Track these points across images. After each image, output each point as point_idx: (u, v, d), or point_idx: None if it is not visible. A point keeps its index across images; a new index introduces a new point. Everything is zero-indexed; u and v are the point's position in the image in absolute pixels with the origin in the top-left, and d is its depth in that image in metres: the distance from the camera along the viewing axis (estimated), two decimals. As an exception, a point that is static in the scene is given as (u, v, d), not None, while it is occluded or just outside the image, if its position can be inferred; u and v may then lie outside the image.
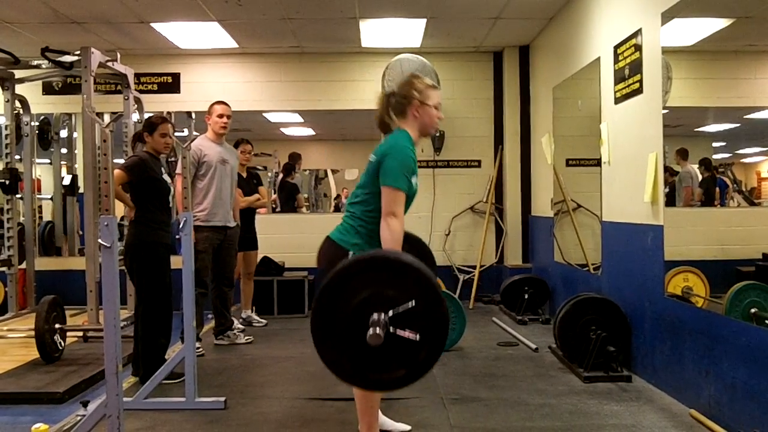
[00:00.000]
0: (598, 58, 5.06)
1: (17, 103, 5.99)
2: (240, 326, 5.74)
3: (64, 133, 7.97)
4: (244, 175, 6.05)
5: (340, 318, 2.35)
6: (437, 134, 7.39)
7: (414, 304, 2.31)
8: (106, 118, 7.05)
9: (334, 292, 2.38)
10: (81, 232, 7.57)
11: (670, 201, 4.28)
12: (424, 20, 6.29)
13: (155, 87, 7.43)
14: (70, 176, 7.65)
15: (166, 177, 4.38)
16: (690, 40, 4.16)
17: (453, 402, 3.87)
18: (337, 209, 11.71)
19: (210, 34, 6.63)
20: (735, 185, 4.51)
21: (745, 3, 3.76)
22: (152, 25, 6.27)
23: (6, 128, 5.86)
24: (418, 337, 2.30)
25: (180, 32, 6.57)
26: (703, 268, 4.08)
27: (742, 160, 4.64)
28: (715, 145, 4.77)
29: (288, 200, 8.40)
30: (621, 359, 4.29)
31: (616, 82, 4.68)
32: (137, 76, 6.65)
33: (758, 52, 4.04)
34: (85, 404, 3.57)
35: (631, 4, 4.46)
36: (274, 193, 8.94)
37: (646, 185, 4.07)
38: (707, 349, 3.47)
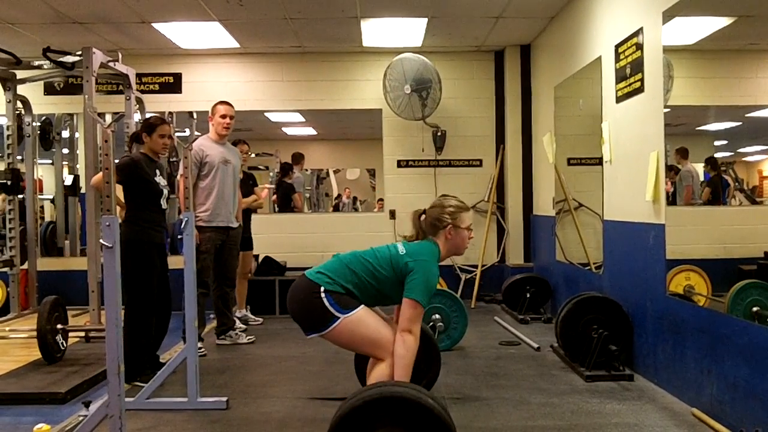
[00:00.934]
0: (600, 57, 5.06)
1: (19, 104, 6.00)
2: (242, 326, 5.75)
3: (65, 134, 7.98)
4: (241, 176, 6.05)
5: None
6: (439, 133, 7.39)
7: None
8: (108, 119, 7.05)
9: (350, 426, 2.46)
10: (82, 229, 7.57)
11: (672, 200, 4.28)
12: (426, 19, 6.29)
13: (157, 87, 7.43)
14: (72, 176, 7.66)
15: (160, 179, 4.37)
16: (691, 39, 4.15)
17: (455, 401, 3.87)
18: (336, 209, 11.73)
19: (211, 34, 6.64)
20: (737, 184, 4.51)
21: (746, 2, 3.76)
22: (154, 25, 6.28)
23: (8, 129, 5.86)
24: None
25: (181, 32, 6.57)
26: (704, 267, 4.08)
27: (743, 159, 4.64)
28: (716, 143, 4.76)
29: (284, 200, 8.38)
30: (623, 358, 4.29)
31: (618, 81, 4.67)
32: (139, 76, 6.66)
33: (760, 51, 4.03)
34: (87, 404, 3.56)
35: (633, 3, 4.45)
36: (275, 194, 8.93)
37: (648, 184, 4.06)
38: (709, 348, 3.46)
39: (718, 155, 4.65)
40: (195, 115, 7.41)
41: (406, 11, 6.09)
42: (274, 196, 8.84)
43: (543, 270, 6.79)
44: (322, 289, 2.95)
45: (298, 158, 9.25)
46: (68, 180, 7.59)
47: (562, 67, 6.11)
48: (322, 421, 3.58)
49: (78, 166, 7.92)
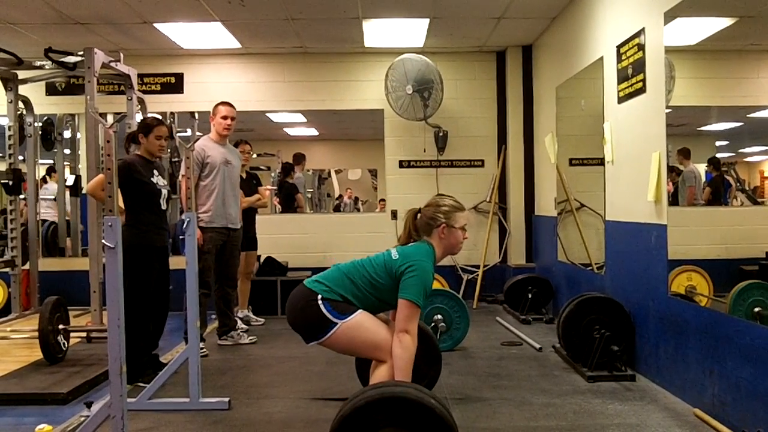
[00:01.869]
0: (601, 58, 5.06)
1: (20, 104, 6.00)
2: (243, 326, 5.75)
3: (67, 134, 7.97)
4: (244, 176, 6.05)
5: None
6: (441, 134, 7.39)
7: None
8: (110, 119, 7.06)
9: (351, 426, 2.46)
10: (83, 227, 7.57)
11: (674, 200, 4.28)
12: (427, 20, 6.29)
13: (158, 87, 7.44)
14: (74, 177, 7.66)
15: (158, 179, 4.36)
16: (693, 40, 4.15)
17: (457, 402, 3.87)
18: (337, 209, 11.73)
19: (213, 35, 6.64)
20: (738, 184, 4.50)
21: (747, 2, 3.75)
22: (155, 25, 6.28)
23: (9, 129, 5.86)
24: None
25: (183, 33, 6.57)
26: (706, 267, 4.08)
27: (745, 159, 4.63)
28: (718, 144, 4.75)
29: (287, 201, 8.39)
30: (625, 359, 4.29)
31: (619, 82, 4.67)
32: (140, 76, 6.67)
33: (761, 51, 4.02)
34: (88, 405, 3.57)
35: (634, 3, 4.45)
36: (277, 194, 8.93)
37: (650, 184, 4.06)
38: (711, 348, 3.46)
39: (719, 156, 4.64)
40: (197, 116, 7.43)
41: (408, 12, 6.09)
42: (276, 198, 8.85)
43: (545, 270, 6.79)
44: (320, 297, 2.98)
45: (299, 159, 9.24)
46: (70, 180, 7.59)
47: (563, 68, 6.11)
48: (324, 421, 3.57)
49: (80, 166, 7.92)
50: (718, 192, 4.50)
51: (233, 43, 6.93)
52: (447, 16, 6.20)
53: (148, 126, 4.34)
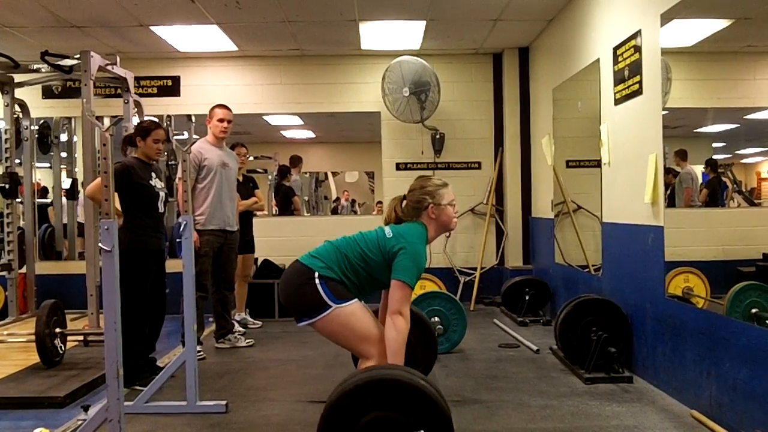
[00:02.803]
0: (598, 60, 5.07)
1: (17, 107, 6.00)
2: (241, 329, 5.74)
3: (64, 137, 7.97)
4: (240, 178, 6.05)
5: None
6: (438, 136, 7.40)
7: None
8: (106, 122, 7.06)
9: (341, 411, 2.42)
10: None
11: (671, 202, 4.29)
12: (424, 22, 6.30)
13: (155, 90, 7.43)
14: (70, 180, 7.65)
15: (156, 182, 4.36)
16: (689, 41, 4.16)
17: (454, 404, 3.86)
18: (334, 212, 11.72)
19: (209, 37, 6.64)
20: (735, 186, 4.51)
21: (744, 4, 3.76)
22: (152, 28, 6.28)
23: (6, 132, 5.86)
24: None
25: (179, 35, 6.57)
26: (703, 269, 4.09)
27: (742, 161, 4.64)
28: (715, 145, 4.76)
29: (284, 203, 8.38)
30: (622, 360, 4.29)
31: (616, 84, 4.68)
32: (137, 79, 6.66)
33: (758, 53, 4.04)
34: (86, 408, 3.55)
35: (631, 5, 4.46)
36: (275, 197, 8.92)
37: (647, 186, 4.07)
38: (708, 349, 3.47)
39: (716, 157, 4.65)
40: (193, 118, 7.42)
41: (405, 14, 6.09)
42: (273, 201, 8.84)
43: (542, 272, 6.79)
44: (317, 274, 2.94)
45: (295, 161, 9.23)
46: (66, 183, 7.58)
47: (560, 70, 6.12)
48: (321, 424, 3.58)
49: (76, 169, 7.92)
50: (715, 194, 4.51)
51: (230, 45, 6.93)
52: (443, 19, 6.21)
53: (145, 129, 4.34)
